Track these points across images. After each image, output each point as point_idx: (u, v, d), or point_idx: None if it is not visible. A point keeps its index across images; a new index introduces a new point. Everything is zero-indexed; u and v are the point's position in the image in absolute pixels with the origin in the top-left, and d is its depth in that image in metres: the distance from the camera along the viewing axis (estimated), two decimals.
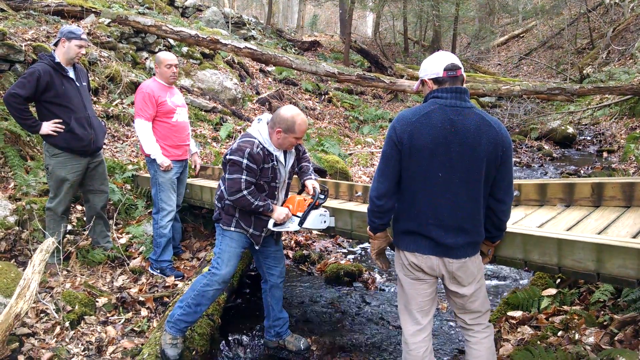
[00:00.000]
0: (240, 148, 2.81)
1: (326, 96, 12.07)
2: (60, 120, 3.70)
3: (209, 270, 3.05)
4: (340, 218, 3.26)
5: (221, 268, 3.00)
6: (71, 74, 3.80)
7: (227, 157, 2.85)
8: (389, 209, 2.34)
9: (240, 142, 2.86)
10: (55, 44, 3.75)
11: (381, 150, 2.32)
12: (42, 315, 3.31)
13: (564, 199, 3.12)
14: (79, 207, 4.68)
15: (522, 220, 2.91)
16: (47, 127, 3.67)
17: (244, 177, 2.81)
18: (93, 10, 8.57)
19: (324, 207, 3.13)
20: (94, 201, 4.14)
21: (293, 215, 3.04)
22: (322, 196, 3.07)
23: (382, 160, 2.29)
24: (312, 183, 3.13)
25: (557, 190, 3.15)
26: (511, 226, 2.53)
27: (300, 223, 3.02)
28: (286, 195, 3.18)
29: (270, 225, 3.01)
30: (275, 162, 2.94)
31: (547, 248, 2.31)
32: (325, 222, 3.08)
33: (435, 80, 2.25)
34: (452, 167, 2.17)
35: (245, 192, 2.83)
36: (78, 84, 3.83)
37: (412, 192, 2.26)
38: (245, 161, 2.79)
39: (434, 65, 2.26)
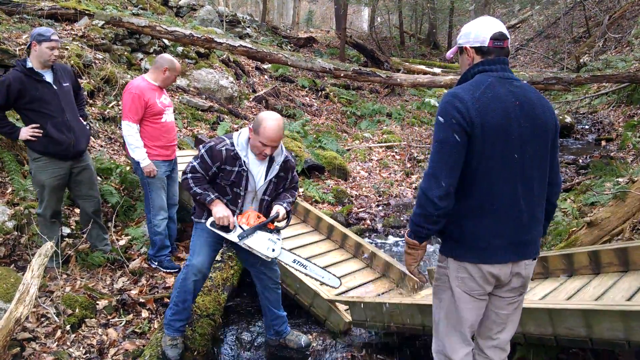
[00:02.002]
0: (209, 142, 2.92)
1: (323, 92, 12.04)
2: (38, 125, 3.64)
3: (185, 263, 3.11)
4: (354, 311, 3.42)
5: (193, 258, 3.03)
6: (48, 78, 3.66)
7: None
8: (449, 211, 1.90)
9: (215, 137, 2.97)
10: (28, 49, 3.64)
11: (435, 139, 1.88)
12: (42, 319, 3.31)
13: (565, 270, 3.22)
14: (77, 210, 4.67)
15: (526, 295, 2.98)
16: (26, 132, 3.63)
17: (195, 162, 2.89)
18: (86, 12, 8.52)
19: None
20: (84, 206, 4.10)
21: (239, 225, 2.85)
22: (282, 224, 2.89)
23: (441, 151, 1.84)
24: (278, 208, 2.92)
25: (557, 262, 3.25)
26: None
27: (241, 236, 2.81)
28: (267, 214, 3.01)
29: (208, 223, 2.92)
30: (243, 168, 2.85)
31: (539, 319, 2.38)
32: (273, 250, 2.82)
33: (479, 50, 1.92)
34: (523, 147, 1.86)
35: (189, 175, 2.90)
36: (56, 87, 3.70)
37: (487, 183, 1.86)
38: (203, 151, 2.88)
39: (480, 31, 1.92)
